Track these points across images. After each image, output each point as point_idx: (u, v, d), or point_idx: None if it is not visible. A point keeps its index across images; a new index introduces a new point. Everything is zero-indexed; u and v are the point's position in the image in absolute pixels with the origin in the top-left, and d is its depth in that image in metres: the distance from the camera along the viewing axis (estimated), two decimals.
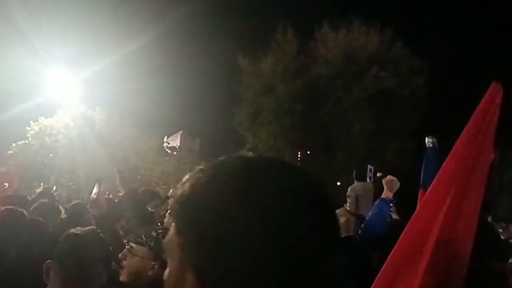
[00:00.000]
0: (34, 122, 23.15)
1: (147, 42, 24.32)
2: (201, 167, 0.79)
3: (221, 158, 0.78)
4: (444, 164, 1.67)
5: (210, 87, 27.45)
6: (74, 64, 23.86)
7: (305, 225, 0.64)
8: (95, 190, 6.09)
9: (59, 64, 23.19)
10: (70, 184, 21.73)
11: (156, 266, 2.26)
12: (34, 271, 1.81)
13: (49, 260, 1.74)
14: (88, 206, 4.57)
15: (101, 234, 1.91)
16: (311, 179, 0.73)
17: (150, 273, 2.26)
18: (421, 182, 2.33)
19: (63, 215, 5.09)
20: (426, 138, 2.36)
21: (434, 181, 1.65)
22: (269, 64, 23.48)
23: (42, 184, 22.05)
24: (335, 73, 22.97)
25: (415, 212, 1.69)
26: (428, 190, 1.68)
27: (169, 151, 27.49)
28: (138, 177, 23.30)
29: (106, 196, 6.10)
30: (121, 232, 3.88)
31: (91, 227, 2.00)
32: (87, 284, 1.72)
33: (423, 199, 1.71)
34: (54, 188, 19.92)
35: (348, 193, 6.44)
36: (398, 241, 1.63)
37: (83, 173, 21.55)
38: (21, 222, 3.06)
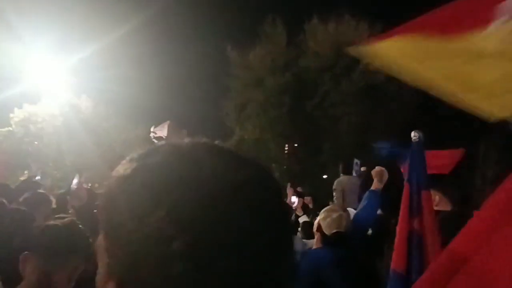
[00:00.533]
0: (18, 109, 22.80)
1: (135, 30, 24.05)
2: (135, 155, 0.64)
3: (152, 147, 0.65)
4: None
5: (198, 78, 27.35)
6: (59, 51, 23.52)
7: (236, 233, 0.53)
8: (75, 180, 6.05)
9: (44, 50, 22.82)
10: (55, 172, 21.50)
11: None
12: (13, 263, 1.77)
13: (26, 252, 1.72)
14: (67, 197, 4.51)
15: (80, 226, 1.88)
16: (255, 174, 0.59)
17: None
18: (407, 177, 2.33)
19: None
20: (412, 133, 2.36)
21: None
22: (257, 56, 23.38)
23: (26, 172, 21.78)
24: (324, 67, 22.98)
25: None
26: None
27: (155, 141, 27.34)
28: None
29: (87, 186, 6.04)
30: None
31: (70, 218, 1.95)
32: (65, 275, 1.71)
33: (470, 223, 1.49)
34: (39, 177, 19.67)
35: (334, 187, 6.48)
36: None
37: (68, 161, 21.36)
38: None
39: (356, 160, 9.62)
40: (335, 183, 6.51)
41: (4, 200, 3.47)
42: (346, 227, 3.34)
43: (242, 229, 0.53)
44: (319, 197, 16.08)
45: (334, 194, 6.37)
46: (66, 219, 1.89)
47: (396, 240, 2.17)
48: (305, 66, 23.38)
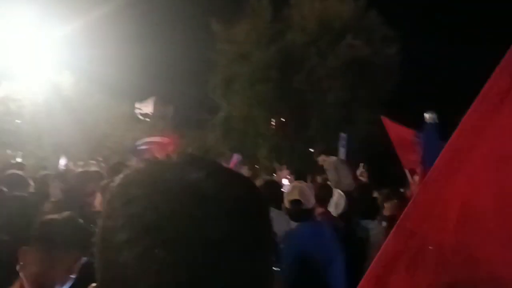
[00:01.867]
0: None
1: (117, 6, 23.44)
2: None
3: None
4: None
5: (183, 53, 26.93)
6: (40, 26, 22.82)
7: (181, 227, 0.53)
8: (62, 161, 5.93)
9: (24, 26, 22.14)
10: (38, 151, 21.20)
11: None
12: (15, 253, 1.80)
13: (24, 246, 1.78)
14: (54, 178, 4.39)
15: (79, 220, 1.94)
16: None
17: None
18: (420, 159, 2.28)
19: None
20: (425, 114, 2.30)
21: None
22: (243, 30, 23.04)
23: (8, 151, 21.45)
24: (310, 41, 22.82)
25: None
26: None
27: (141, 118, 27.10)
28: (109, 144, 22.92)
29: (72, 167, 5.91)
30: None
31: (68, 212, 1.99)
32: (65, 268, 1.77)
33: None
34: (19, 158, 19.39)
35: (326, 168, 6.46)
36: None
37: (51, 140, 21.05)
38: None
39: (342, 134, 9.68)
40: (326, 165, 6.47)
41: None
42: (306, 198, 3.40)
43: (188, 222, 0.53)
44: (307, 171, 16.19)
45: (328, 175, 6.33)
46: (65, 213, 1.94)
47: None
48: (291, 40, 23.16)
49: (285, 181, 6.64)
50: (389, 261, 1.40)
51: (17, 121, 21.85)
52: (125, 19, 24.70)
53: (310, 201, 3.47)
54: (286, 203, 3.56)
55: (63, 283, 1.77)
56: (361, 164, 5.02)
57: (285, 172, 7.14)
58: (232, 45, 23.11)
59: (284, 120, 23.87)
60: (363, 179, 4.70)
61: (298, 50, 22.86)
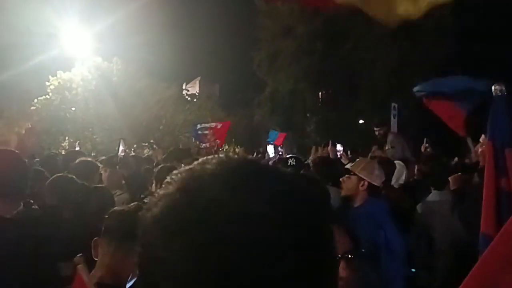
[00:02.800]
0: (52, 76, 23.18)
1: None
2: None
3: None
4: None
5: (226, 31, 26.83)
6: (89, 17, 23.49)
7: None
8: (121, 147, 6.06)
9: (73, 16, 22.88)
10: (94, 137, 22.03)
11: None
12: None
13: (96, 238, 1.86)
14: (117, 167, 4.43)
15: None
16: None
17: None
18: (488, 135, 2.09)
19: None
20: (493, 87, 2.10)
21: None
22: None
23: (67, 138, 22.47)
24: (355, 9, 22.01)
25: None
26: None
27: (189, 99, 27.45)
28: (161, 127, 23.44)
29: (132, 153, 6.00)
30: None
31: (135, 203, 2.06)
32: (134, 257, 1.75)
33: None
34: (78, 148, 20.15)
35: (393, 145, 6.26)
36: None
37: (106, 125, 21.79)
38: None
39: (393, 104, 9.37)
40: (393, 141, 6.26)
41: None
42: (375, 175, 3.24)
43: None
44: (355, 144, 15.87)
45: (388, 150, 6.14)
46: (132, 204, 1.99)
47: (484, 202, 1.98)
48: (336, 10, 22.47)
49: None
50: (500, 262, 1.35)
51: (72, 108, 22.73)
52: (168, 2, 24.85)
53: (379, 178, 3.26)
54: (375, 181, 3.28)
55: (132, 276, 1.81)
56: (426, 139, 4.83)
57: (332, 149, 6.97)
58: (275, 20, 22.76)
59: (331, 92, 23.41)
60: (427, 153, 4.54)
61: (344, 20, 22.15)
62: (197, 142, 9.27)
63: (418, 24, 21.06)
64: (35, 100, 22.80)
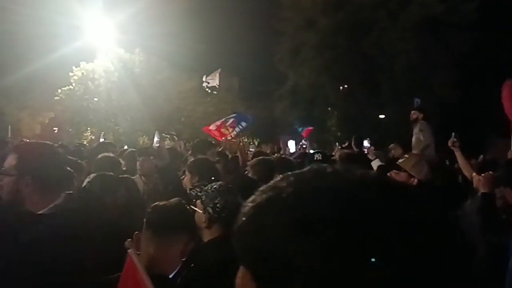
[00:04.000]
0: (76, 67, 23.51)
1: None
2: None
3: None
4: None
5: (247, 24, 26.78)
6: (110, 7, 23.72)
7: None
8: (156, 139, 6.15)
9: (97, 7, 23.15)
10: (117, 127, 22.31)
11: (206, 220, 2.43)
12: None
13: (137, 232, 1.92)
14: (151, 157, 4.51)
15: (186, 206, 2.11)
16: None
17: (203, 225, 2.45)
18: None
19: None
20: None
21: None
22: None
23: (89, 128, 22.82)
24: (379, 2, 21.72)
25: None
26: None
27: (209, 91, 27.55)
28: (182, 118, 23.61)
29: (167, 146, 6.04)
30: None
31: (176, 198, 2.12)
32: (178, 250, 1.92)
33: None
34: (102, 139, 20.42)
35: (426, 144, 6.19)
36: None
37: (128, 116, 22.07)
38: None
39: (416, 99, 9.28)
40: (424, 132, 6.18)
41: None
42: (419, 169, 3.21)
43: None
44: (377, 139, 15.74)
45: (422, 150, 6.07)
46: (173, 199, 2.07)
47: None
48: (359, 3, 22.20)
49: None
50: None
51: (95, 99, 23.07)
52: None
53: (423, 173, 3.19)
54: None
55: (175, 266, 1.90)
56: (453, 133, 4.71)
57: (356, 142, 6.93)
58: (298, 12, 22.60)
59: (353, 87, 23.21)
60: (455, 148, 4.42)
61: (367, 13, 21.88)
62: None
63: (441, 19, 20.73)
64: (59, 91, 23.20)
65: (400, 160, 3.39)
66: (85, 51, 23.59)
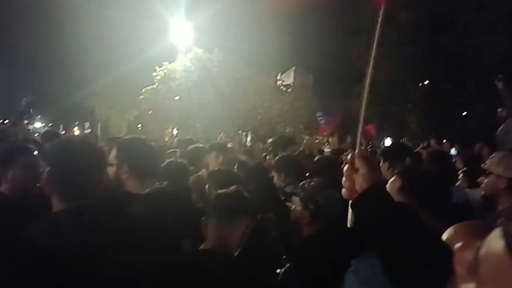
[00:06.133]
0: (159, 67, 24.67)
1: None
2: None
3: None
4: None
5: (322, 19, 26.46)
6: (190, 8, 24.64)
7: None
8: (249, 138, 6.43)
9: (179, 9, 24.16)
10: (197, 125, 23.10)
11: (307, 216, 2.56)
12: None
13: (203, 217, 2.16)
14: (241, 156, 4.72)
15: (245, 193, 2.30)
16: None
17: (304, 221, 2.59)
18: None
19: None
20: None
21: None
22: None
23: (170, 126, 23.89)
24: None
25: None
26: None
27: (283, 89, 27.66)
28: (259, 116, 23.97)
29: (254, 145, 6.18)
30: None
31: (235, 186, 2.32)
32: (240, 233, 2.11)
33: None
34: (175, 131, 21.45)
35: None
36: None
37: (207, 114, 22.80)
38: None
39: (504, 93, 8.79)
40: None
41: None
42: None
43: None
44: (462, 138, 15.00)
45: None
46: (232, 187, 2.29)
47: None
48: None
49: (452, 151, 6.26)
50: None
51: (176, 97, 24.08)
52: None
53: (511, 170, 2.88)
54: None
55: (238, 246, 2.12)
56: None
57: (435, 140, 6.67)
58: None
59: (435, 83, 22.23)
60: None
61: (451, 6, 20.81)
62: None
63: None
64: (143, 90, 24.52)
65: (485, 163, 3.17)
66: (168, 52, 24.75)
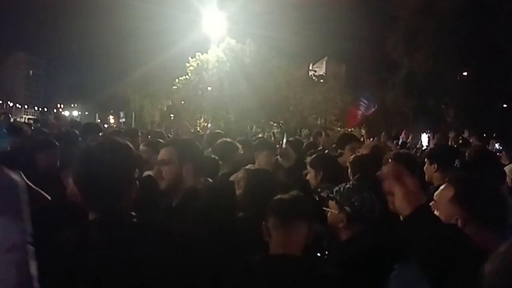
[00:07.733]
0: (192, 58, 24.82)
1: None
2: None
3: None
4: None
5: (357, 7, 25.92)
6: (222, 1, 24.62)
7: None
8: (284, 140, 6.36)
9: (210, 0, 24.17)
10: (229, 116, 23.16)
11: (343, 219, 2.51)
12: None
13: (264, 222, 2.18)
14: (278, 157, 4.62)
15: (304, 196, 2.33)
16: None
17: (341, 224, 2.54)
18: None
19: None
20: None
21: None
22: None
23: (202, 116, 24.06)
24: None
25: None
26: None
27: (315, 79, 27.36)
28: (291, 108, 23.80)
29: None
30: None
31: (295, 191, 2.33)
32: (301, 236, 2.15)
33: None
34: (210, 121, 21.61)
35: None
36: None
37: (239, 104, 22.80)
38: None
39: None
40: None
41: None
42: None
43: None
44: (502, 132, 14.45)
45: None
46: (292, 192, 2.30)
47: None
48: None
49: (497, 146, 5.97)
50: None
51: (208, 88, 24.18)
52: None
53: None
54: None
55: (300, 248, 2.13)
56: None
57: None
58: None
59: (474, 74, 21.40)
60: None
61: None
62: None
63: None
64: (176, 80, 24.76)
65: None
66: (200, 43, 24.88)
